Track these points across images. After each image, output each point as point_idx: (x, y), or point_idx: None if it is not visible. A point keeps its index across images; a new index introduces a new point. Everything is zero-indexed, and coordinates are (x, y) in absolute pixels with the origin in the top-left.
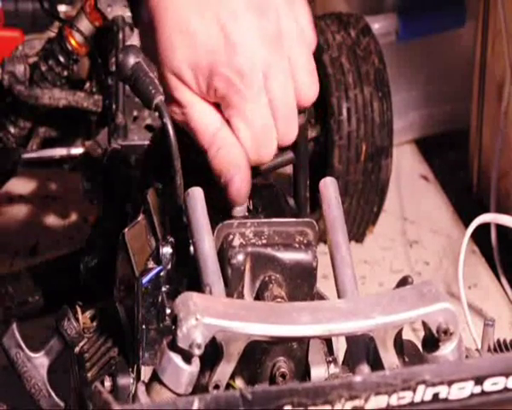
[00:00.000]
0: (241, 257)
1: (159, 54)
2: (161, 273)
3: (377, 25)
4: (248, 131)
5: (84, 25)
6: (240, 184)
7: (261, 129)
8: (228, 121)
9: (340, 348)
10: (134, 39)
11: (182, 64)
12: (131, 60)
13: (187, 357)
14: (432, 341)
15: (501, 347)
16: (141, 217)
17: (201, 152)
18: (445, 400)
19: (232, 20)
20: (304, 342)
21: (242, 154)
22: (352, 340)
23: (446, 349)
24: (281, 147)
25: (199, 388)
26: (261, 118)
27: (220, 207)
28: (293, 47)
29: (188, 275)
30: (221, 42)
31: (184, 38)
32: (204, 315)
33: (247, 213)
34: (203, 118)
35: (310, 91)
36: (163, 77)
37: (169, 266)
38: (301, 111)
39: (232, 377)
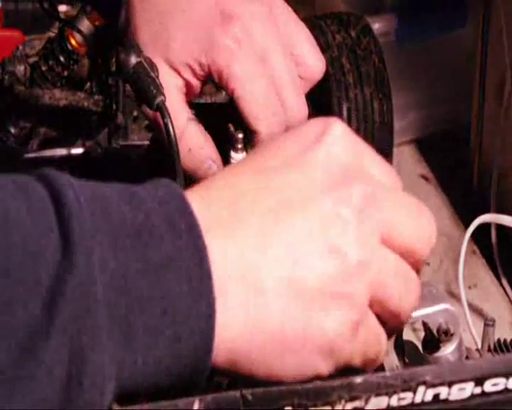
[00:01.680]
0: None
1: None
2: None
3: (377, 25)
4: (252, 96)
5: (85, 25)
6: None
7: (265, 95)
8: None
9: None
10: None
11: (175, 45)
12: (132, 59)
13: None
14: (432, 341)
15: (501, 347)
16: None
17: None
18: (446, 400)
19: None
20: None
21: (212, 148)
22: None
23: (447, 350)
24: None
25: None
26: (264, 86)
27: None
28: (288, 22)
29: None
30: (217, 15)
31: (178, 18)
32: None
33: None
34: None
35: (314, 59)
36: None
37: None
38: None
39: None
